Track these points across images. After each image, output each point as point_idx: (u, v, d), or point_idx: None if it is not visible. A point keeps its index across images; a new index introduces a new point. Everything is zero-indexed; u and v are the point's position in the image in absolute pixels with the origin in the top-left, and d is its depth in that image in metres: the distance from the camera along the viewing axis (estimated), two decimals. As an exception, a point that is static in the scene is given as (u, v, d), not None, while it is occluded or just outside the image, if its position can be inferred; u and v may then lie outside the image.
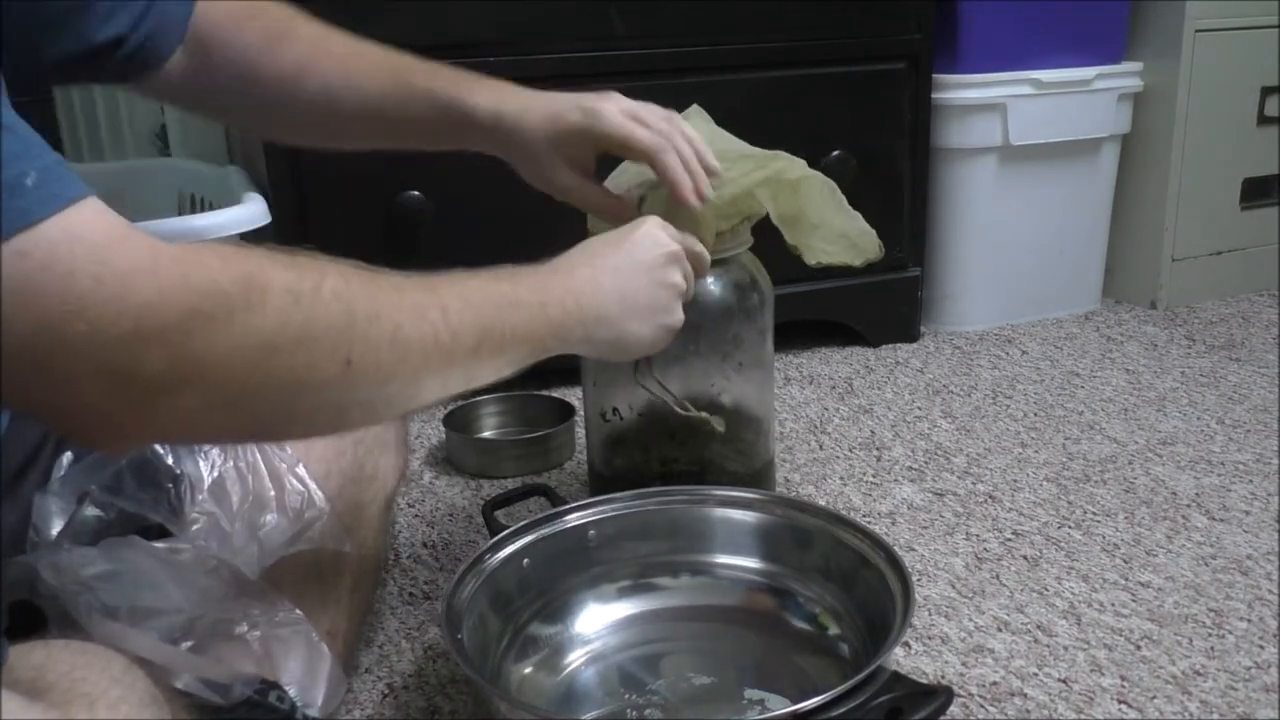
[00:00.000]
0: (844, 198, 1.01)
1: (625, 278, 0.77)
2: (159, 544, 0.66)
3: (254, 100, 0.83)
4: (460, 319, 0.63)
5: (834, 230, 1.01)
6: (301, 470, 0.75)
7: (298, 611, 0.68)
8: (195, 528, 0.69)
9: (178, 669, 0.60)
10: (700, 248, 0.85)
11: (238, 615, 0.65)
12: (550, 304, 0.71)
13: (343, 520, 0.77)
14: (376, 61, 0.87)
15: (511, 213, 1.45)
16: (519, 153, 0.89)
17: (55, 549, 0.63)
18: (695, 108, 1.09)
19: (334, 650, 0.72)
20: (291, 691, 0.65)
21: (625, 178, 1.03)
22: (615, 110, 0.87)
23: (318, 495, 0.75)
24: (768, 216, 0.99)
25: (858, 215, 1.01)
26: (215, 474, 0.72)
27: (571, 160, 0.89)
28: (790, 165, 0.98)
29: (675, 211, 0.94)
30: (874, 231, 1.02)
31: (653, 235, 0.80)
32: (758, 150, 1.00)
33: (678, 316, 0.81)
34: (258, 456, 0.74)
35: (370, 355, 0.55)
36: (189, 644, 0.63)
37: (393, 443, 0.88)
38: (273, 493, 0.74)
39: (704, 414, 1.01)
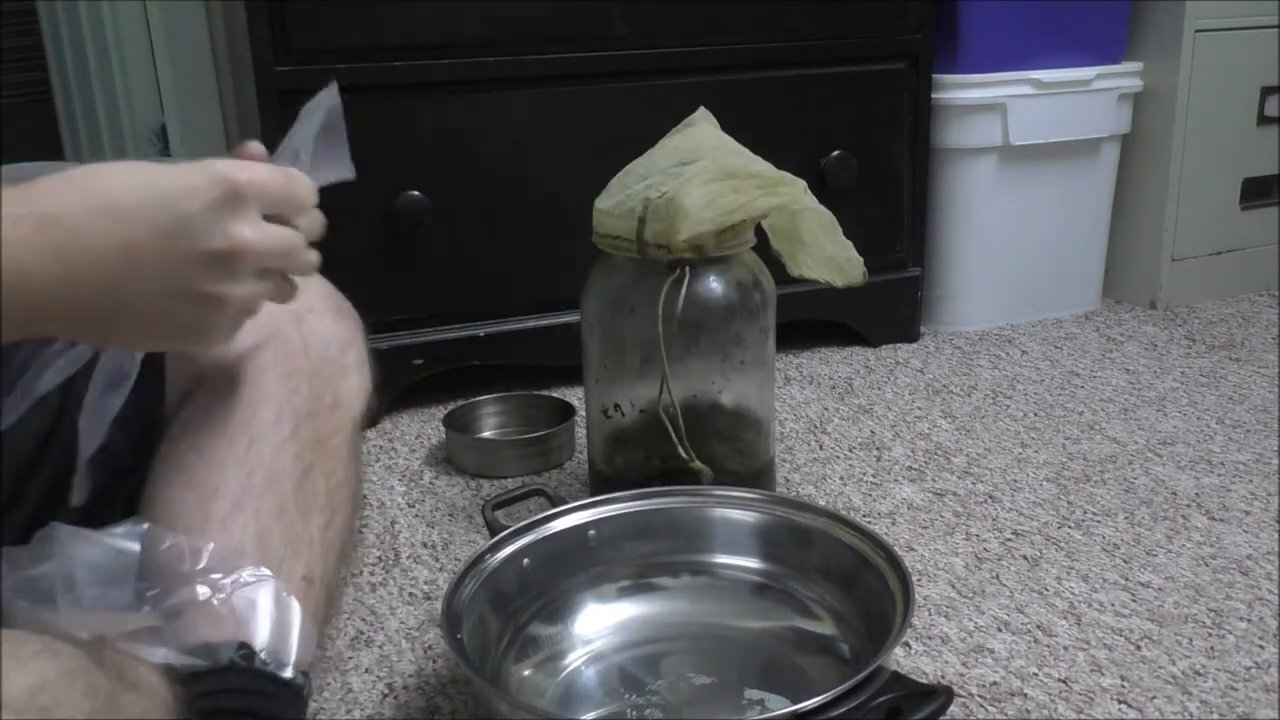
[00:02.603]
0: (840, 228, 1.02)
1: (134, 270, 0.54)
2: (102, 530, 0.65)
3: None
4: None
5: (823, 252, 1.03)
6: None
7: (264, 569, 0.67)
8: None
9: (133, 636, 0.58)
10: (297, 239, 0.61)
11: (198, 581, 0.63)
12: None
13: (303, 458, 0.76)
14: None
15: (512, 213, 1.45)
16: None
17: None
18: (702, 111, 1.09)
19: (312, 598, 0.70)
20: (263, 654, 0.64)
21: (628, 179, 1.03)
22: None
23: None
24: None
25: (849, 244, 1.04)
26: None
27: None
28: (796, 197, 0.99)
29: (672, 222, 0.95)
30: (861, 260, 1.04)
31: (216, 195, 0.55)
32: (764, 168, 1.01)
33: (219, 331, 0.59)
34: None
35: None
36: (146, 611, 0.61)
37: (352, 365, 0.83)
38: None
39: (704, 466, 1.01)
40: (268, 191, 0.57)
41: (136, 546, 0.64)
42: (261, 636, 0.64)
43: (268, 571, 0.67)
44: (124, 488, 0.76)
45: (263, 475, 0.73)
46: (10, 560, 0.60)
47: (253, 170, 0.57)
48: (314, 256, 0.62)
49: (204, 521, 0.69)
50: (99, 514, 0.75)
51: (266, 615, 0.65)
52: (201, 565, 0.64)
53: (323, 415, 0.79)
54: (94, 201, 0.53)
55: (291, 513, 0.73)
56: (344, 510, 0.79)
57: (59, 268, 0.52)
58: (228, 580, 0.65)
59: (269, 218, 0.59)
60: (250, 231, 0.56)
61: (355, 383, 0.83)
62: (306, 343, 0.79)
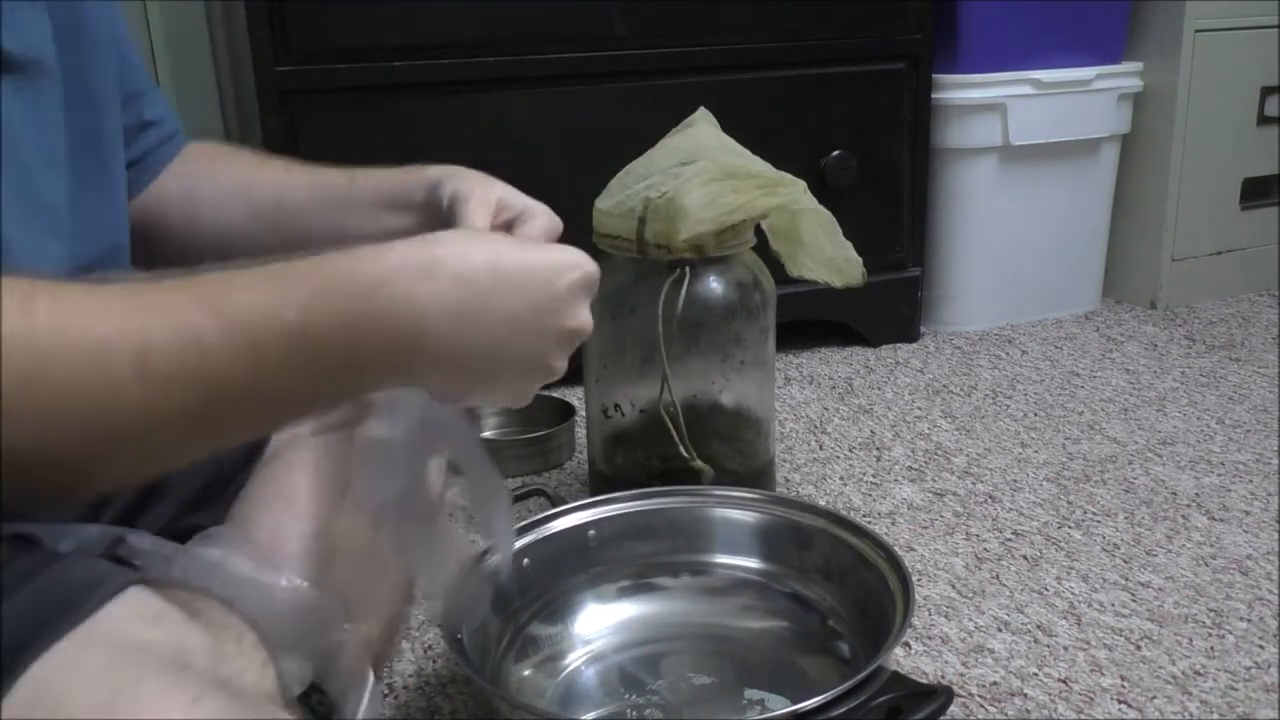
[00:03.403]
0: (839, 229, 1.02)
1: (513, 338, 0.58)
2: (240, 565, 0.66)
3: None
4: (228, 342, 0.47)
5: (823, 253, 1.03)
6: None
7: (347, 626, 0.67)
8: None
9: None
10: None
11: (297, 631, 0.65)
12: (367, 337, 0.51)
13: (377, 519, 0.76)
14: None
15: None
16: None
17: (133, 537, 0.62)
18: (702, 111, 1.09)
19: (369, 658, 0.72)
20: (331, 699, 0.64)
21: (628, 179, 1.03)
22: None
23: None
24: (767, 217, 1.00)
25: (849, 245, 1.04)
26: None
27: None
28: (796, 197, 0.99)
29: (672, 222, 0.95)
30: (860, 261, 1.05)
31: (575, 290, 0.61)
32: (764, 169, 1.01)
33: (560, 368, 0.63)
34: None
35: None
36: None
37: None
38: None
39: (705, 465, 1.01)
40: (596, 282, 0.63)
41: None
42: (334, 688, 0.65)
43: (349, 628, 0.67)
44: (232, 486, 0.76)
45: (350, 535, 0.73)
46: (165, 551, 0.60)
47: (595, 264, 0.63)
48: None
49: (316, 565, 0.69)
50: (204, 504, 0.75)
51: (344, 670, 0.65)
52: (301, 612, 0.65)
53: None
54: (491, 268, 0.56)
55: (365, 576, 0.74)
56: (404, 582, 0.80)
57: (460, 326, 0.54)
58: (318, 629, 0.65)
59: None
60: (588, 315, 0.62)
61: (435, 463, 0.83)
62: None
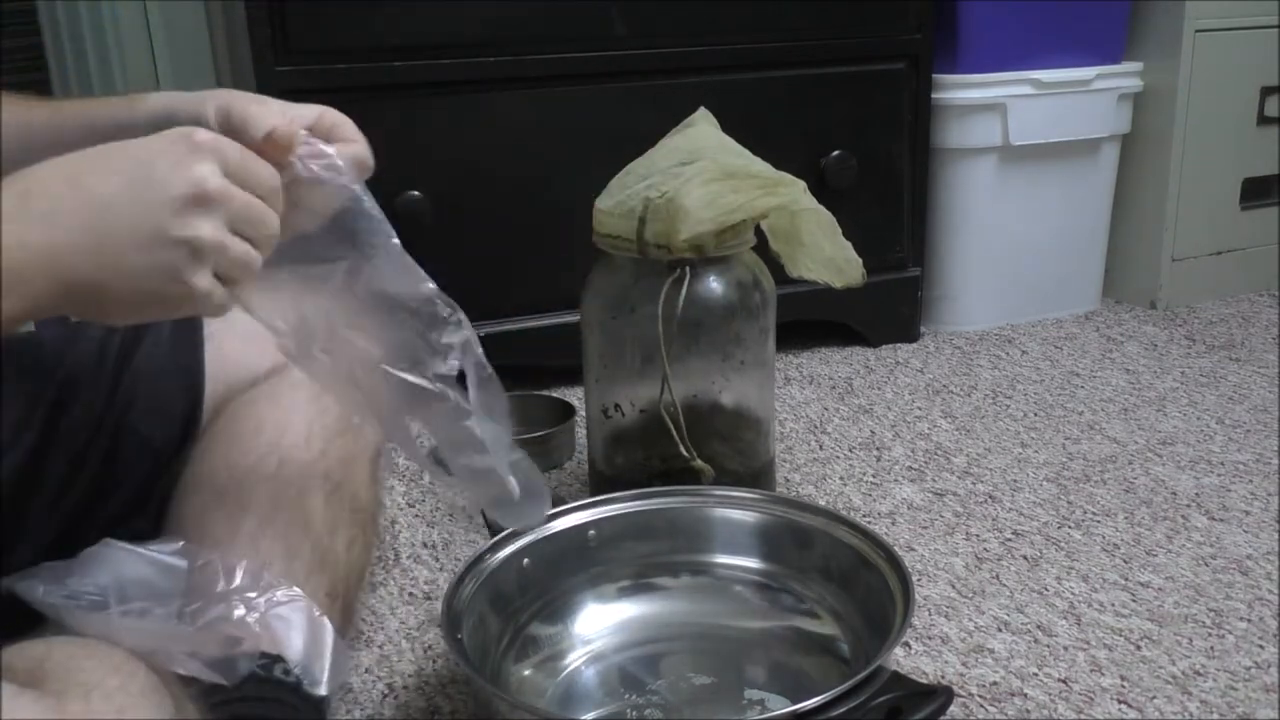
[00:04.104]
0: (839, 229, 1.03)
1: (109, 223, 0.55)
2: (144, 546, 0.66)
3: None
4: None
5: (822, 253, 1.03)
6: None
7: (295, 589, 0.68)
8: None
9: (175, 648, 0.59)
10: (262, 205, 0.60)
11: (234, 601, 0.65)
12: None
13: (331, 476, 0.77)
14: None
15: (511, 213, 1.45)
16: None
17: (32, 570, 0.63)
18: (702, 111, 1.09)
19: (334, 615, 0.71)
20: (296, 669, 0.65)
21: (628, 179, 1.03)
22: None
23: None
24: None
25: (848, 245, 1.04)
26: None
27: None
28: (796, 197, 0.99)
29: (672, 222, 0.95)
30: (860, 261, 1.05)
31: (179, 150, 0.57)
32: (764, 169, 1.01)
33: (201, 287, 0.57)
34: None
35: None
36: (187, 630, 0.63)
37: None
38: None
39: (705, 465, 1.01)
40: (224, 150, 0.58)
41: (184, 564, 0.65)
42: (295, 654, 0.65)
43: (299, 592, 0.67)
44: (163, 484, 0.77)
45: (292, 492, 0.74)
46: (55, 573, 0.61)
47: (212, 134, 0.59)
48: (275, 224, 0.60)
49: (232, 536, 0.70)
50: (142, 507, 0.76)
51: (300, 633, 0.66)
52: (236, 584, 0.65)
53: (350, 435, 0.80)
54: (68, 170, 0.56)
55: (319, 529, 0.74)
56: (366, 531, 0.81)
57: (40, 232, 0.54)
58: (261, 599, 0.66)
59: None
60: (210, 173, 0.57)
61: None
62: None
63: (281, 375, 0.79)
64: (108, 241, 0.55)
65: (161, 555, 0.65)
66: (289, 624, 0.66)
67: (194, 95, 0.70)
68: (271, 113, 0.65)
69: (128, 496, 0.78)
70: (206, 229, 0.56)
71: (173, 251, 0.56)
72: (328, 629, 0.68)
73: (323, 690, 0.65)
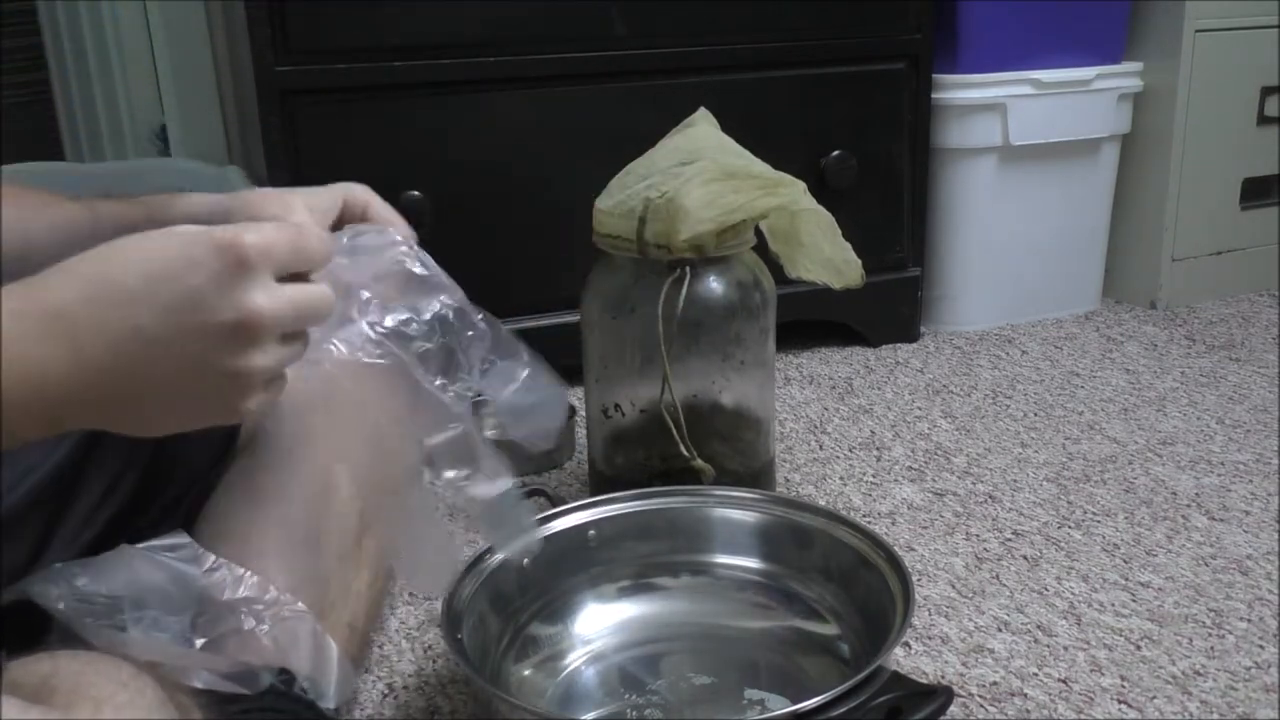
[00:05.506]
0: (838, 230, 1.03)
1: (148, 354, 0.50)
2: (159, 552, 0.66)
3: None
4: None
5: (822, 254, 1.04)
6: None
7: (300, 604, 0.68)
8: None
9: (192, 666, 0.59)
10: (315, 294, 0.55)
11: (242, 610, 0.65)
12: None
13: (365, 517, 0.77)
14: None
15: (511, 213, 1.45)
16: None
17: (46, 571, 0.63)
18: (702, 111, 1.09)
19: (350, 643, 0.72)
20: (303, 682, 0.65)
21: (628, 179, 1.03)
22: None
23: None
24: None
25: (848, 246, 1.04)
26: None
27: None
28: (796, 198, 0.99)
29: (672, 222, 0.94)
30: (859, 262, 1.05)
31: (224, 266, 0.50)
32: (764, 169, 1.01)
33: (252, 403, 0.54)
34: None
35: None
36: (201, 642, 0.63)
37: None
38: None
39: (705, 465, 1.01)
40: (276, 253, 0.52)
41: (196, 571, 0.64)
42: (301, 667, 0.65)
43: (304, 608, 0.67)
44: (194, 497, 0.77)
45: (334, 526, 0.74)
46: (69, 574, 0.60)
47: (259, 232, 0.52)
48: (329, 306, 0.56)
49: (267, 554, 0.70)
50: (170, 517, 0.76)
51: (305, 648, 0.66)
52: (241, 594, 0.65)
53: (386, 478, 0.80)
54: (97, 290, 0.50)
55: (348, 565, 0.75)
56: (381, 576, 0.81)
57: (71, 362, 0.49)
58: (267, 612, 0.66)
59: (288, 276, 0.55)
60: (263, 298, 0.51)
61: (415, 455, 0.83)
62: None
63: (329, 409, 0.76)
64: (150, 373, 0.51)
65: (175, 561, 0.65)
66: (295, 638, 0.66)
67: (222, 199, 0.69)
68: (296, 210, 0.64)
69: (157, 517, 0.78)
70: (259, 359, 0.52)
71: (220, 380, 0.52)
72: (332, 647, 0.68)
73: (328, 704, 0.66)
